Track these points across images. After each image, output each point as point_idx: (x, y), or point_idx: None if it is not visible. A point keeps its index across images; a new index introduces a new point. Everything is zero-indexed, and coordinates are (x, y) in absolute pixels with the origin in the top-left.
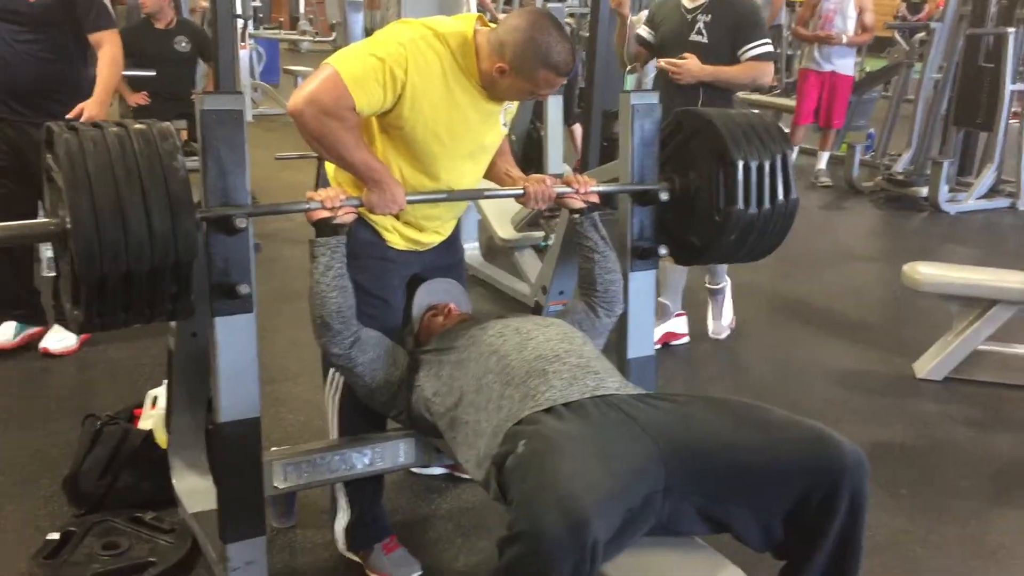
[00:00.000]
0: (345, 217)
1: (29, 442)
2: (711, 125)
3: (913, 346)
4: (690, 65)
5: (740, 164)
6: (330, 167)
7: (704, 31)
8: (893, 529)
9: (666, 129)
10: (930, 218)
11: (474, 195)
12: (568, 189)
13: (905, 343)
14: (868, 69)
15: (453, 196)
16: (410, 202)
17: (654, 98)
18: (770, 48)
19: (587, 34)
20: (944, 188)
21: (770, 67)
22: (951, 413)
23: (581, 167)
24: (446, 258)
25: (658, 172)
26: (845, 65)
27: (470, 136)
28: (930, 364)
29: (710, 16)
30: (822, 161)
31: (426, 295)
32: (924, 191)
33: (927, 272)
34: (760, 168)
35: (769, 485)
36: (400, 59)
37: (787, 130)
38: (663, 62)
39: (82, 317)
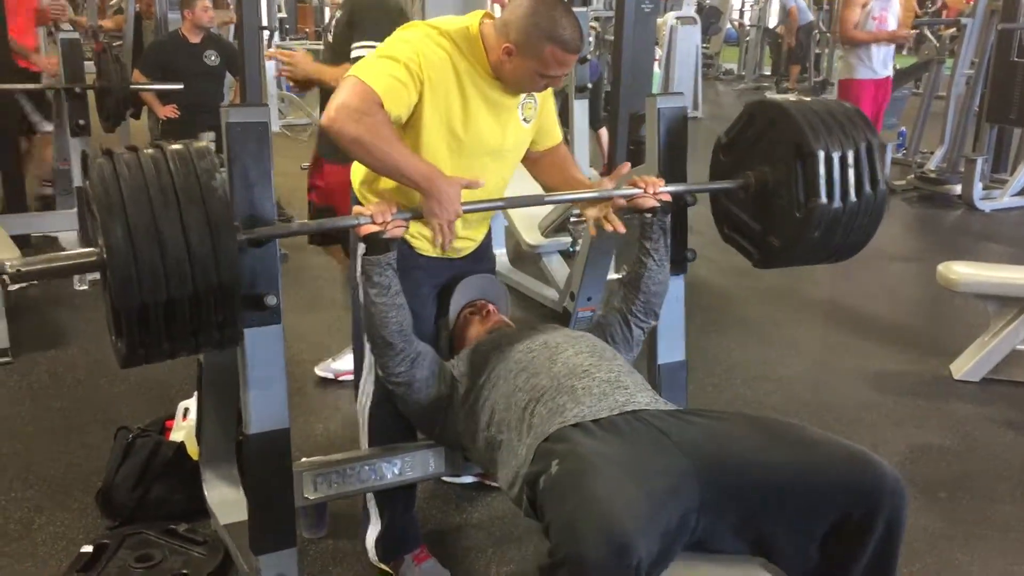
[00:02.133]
0: (395, 231)
1: (61, 455)
2: (786, 114)
3: (949, 346)
4: (298, 59)
5: (821, 155)
6: (356, 176)
7: (332, 28)
8: (932, 534)
9: (737, 124)
10: (964, 216)
11: (562, 200)
12: (637, 191)
13: (941, 344)
14: (898, 66)
15: (532, 201)
16: (468, 211)
17: (681, 101)
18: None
19: (612, 37)
20: (978, 185)
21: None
22: (989, 415)
23: (608, 171)
24: (478, 266)
25: (728, 172)
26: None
27: (488, 131)
28: (967, 365)
29: (339, 12)
30: None
31: (465, 291)
32: (957, 189)
33: (962, 271)
34: (843, 159)
35: (805, 506)
36: (413, 56)
37: None
38: (275, 52)
39: (125, 350)
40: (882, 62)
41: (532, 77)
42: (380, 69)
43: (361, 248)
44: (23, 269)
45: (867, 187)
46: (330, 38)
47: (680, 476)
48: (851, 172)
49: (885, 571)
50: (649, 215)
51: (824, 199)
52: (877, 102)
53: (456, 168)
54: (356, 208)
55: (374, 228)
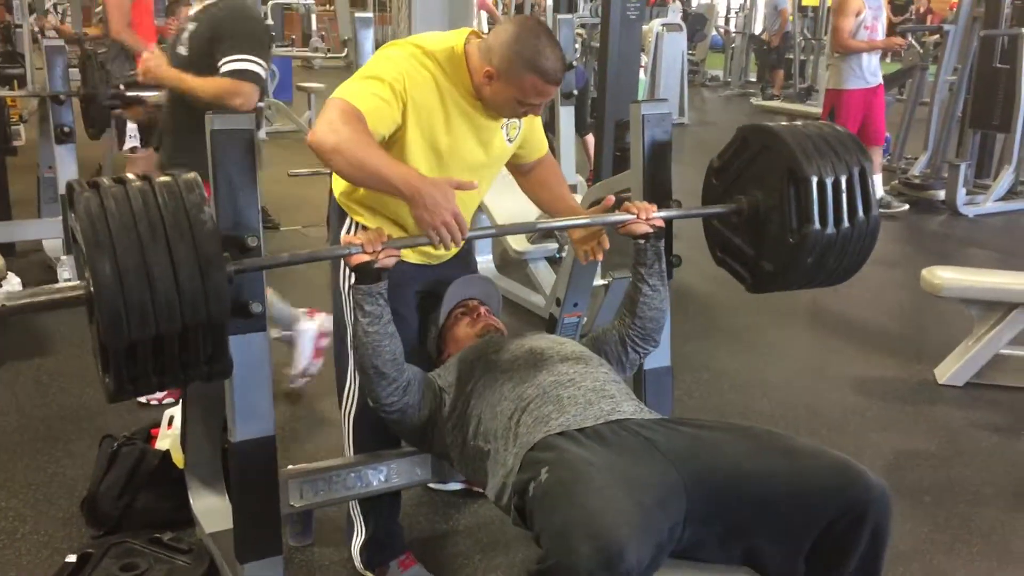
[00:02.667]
0: (386, 261)
1: (46, 464)
2: (779, 139)
3: (933, 351)
4: (151, 63)
5: (814, 180)
6: (338, 186)
7: (187, 42)
8: (917, 538)
9: (730, 147)
10: (948, 221)
11: (555, 227)
12: (630, 216)
13: (925, 348)
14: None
15: (525, 228)
16: (472, 238)
17: (666, 107)
18: (252, 67)
19: (598, 44)
20: (962, 191)
21: (247, 88)
22: (973, 419)
23: (594, 178)
24: (457, 272)
25: (722, 192)
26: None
27: (470, 151)
28: (951, 369)
29: (195, 25)
30: (878, 185)
31: (458, 291)
32: (941, 194)
33: (946, 276)
34: (836, 183)
35: (792, 516)
36: (398, 76)
37: None
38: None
39: (112, 386)
40: (872, 71)
41: (511, 104)
42: (364, 89)
43: (351, 278)
44: (7, 304)
45: (860, 212)
46: (182, 51)
47: (668, 486)
48: (844, 197)
49: (873, 574)
50: (642, 241)
51: (817, 225)
52: (866, 110)
53: None
54: (345, 237)
55: (365, 257)
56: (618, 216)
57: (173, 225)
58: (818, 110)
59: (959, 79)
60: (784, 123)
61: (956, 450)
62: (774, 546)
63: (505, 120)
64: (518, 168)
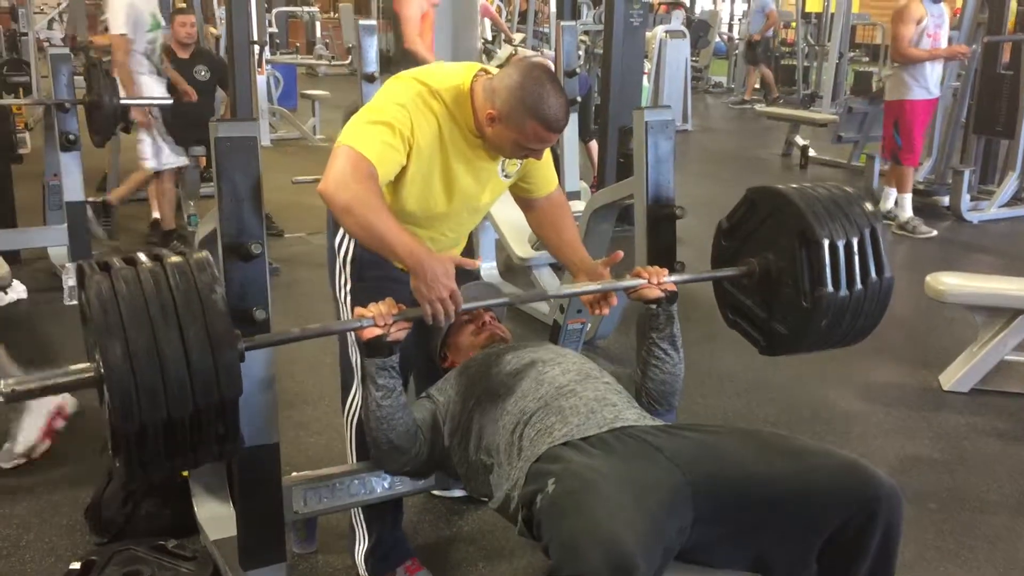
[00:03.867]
0: (398, 334)
1: (49, 471)
2: (789, 202)
3: (938, 358)
4: None
5: (826, 243)
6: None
7: None
8: (922, 545)
9: (739, 209)
10: (952, 227)
11: (567, 295)
12: (641, 281)
13: (930, 355)
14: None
15: (537, 297)
16: (466, 308)
17: (669, 114)
18: None
19: (602, 51)
20: (966, 197)
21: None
22: (979, 425)
23: (597, 184)
24: (460, 280)
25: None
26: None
27: (464, 187)
28: (956, 376)
29: None
30: (907, 207)
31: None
32: (945, 200)
33: (951, 282)
34: (848, 246)
35: (801, 517)
36: (405, 120)
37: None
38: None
39: (124, 470)
40: (936, 82)
41: (511, 147)
42: (372, 136)
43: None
44: (18, 388)
45: (873, 274)
46: None
47: (675, 491)
48: (856, 260)
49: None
50: (654, 306)
51: (831, 288)
52: (930, 122)
53: (432, 221)
54: (358, 310)
55: (377, 331)
56: (629, 281)
57: (185, 307)
58: (824, 116)
59: (963, 85)
60: (793, 185)
61: (961, 457)
62: (783, 547)
63: (501, 159)
64: (526, 202)
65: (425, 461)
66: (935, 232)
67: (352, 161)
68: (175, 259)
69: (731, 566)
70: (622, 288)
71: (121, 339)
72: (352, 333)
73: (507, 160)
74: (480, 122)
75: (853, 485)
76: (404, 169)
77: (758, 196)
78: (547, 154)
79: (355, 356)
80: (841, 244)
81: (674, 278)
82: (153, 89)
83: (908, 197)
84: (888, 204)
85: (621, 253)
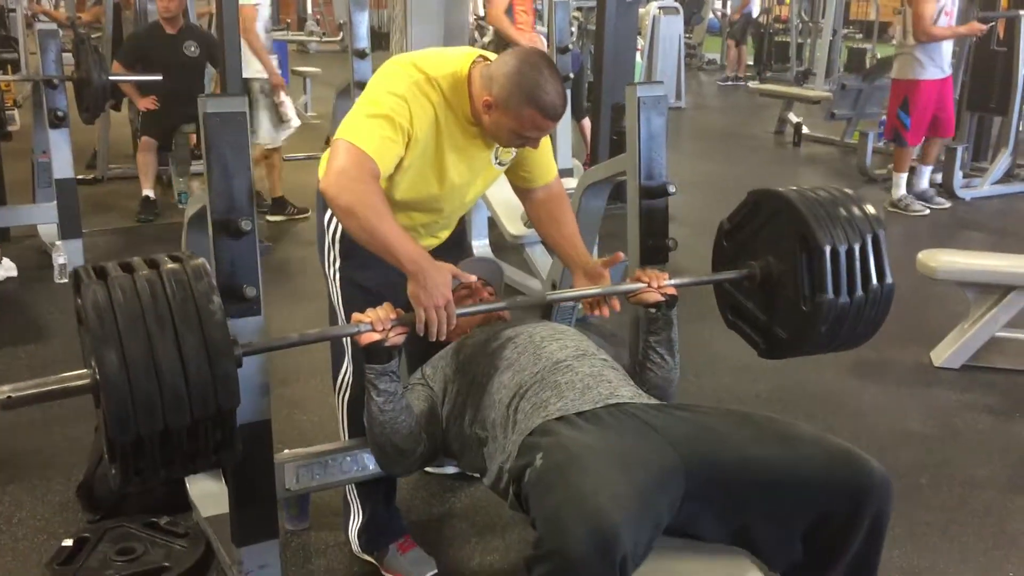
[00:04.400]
0: (396, 339)
1: (42, 448)
2: (791, 206)
3: (930, 334)
4: None
5: (827, 249)
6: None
7: None
8: (912, 520)
9: (741, 211)
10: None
11: (565, 298)
12: (641, 285)
13: (921, 331)
14: (879, 55)
15: (535, 301)
16: (462, 314)
17: (661, 90)
18: None
19: (594, 27)
20: (958, 174)
21: None
22: (969, 401)
23: (590, 161)
24: (454, 258)
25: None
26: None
27: (458, 175)
28: (947, 352)
29: None
30: (924, 178)
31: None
32: (938, 177)
33: (943, 259)
34: (850, 252)
35: (790, 501)
36: (403, 112)
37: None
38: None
39: (119, 477)
40: (948, 60)
41: (508, 135)
42: (371, 131)
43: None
44: (14, 395)
45: (874, 281)
46: None
47: (666, 467)
48: (858, 266)
49: (868, 565)
50: (654, 309)
51: (831, 294)
52: (940, 101)
53: (423, 208)
54: (355, 316)
55: (376, 336)
56: (629, 285)
57: (181, 316)
58: (817, 93)
59: (957, 61)
60: (795, 188)
61: (952, 433)
62: (769, 528)
63: (498, 146)
64: (523, 191)
65: (427, 455)
66: (927, 211)
67: (353, 159)
68: (172, 266)
69: (714, 538)
70: (621, 292)
71: (117, 349)
72: (341, 316)
73: (501, 149)
74: (477, 110)
75: (844, 474)
76: (400, 159)
77: (760, 198)
78: (546, 143)
79: (345, 340)
80: (843, 250)
81: (674, 282)
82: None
83: (904, 176)
84: (899, 191)
85: (621, 255)
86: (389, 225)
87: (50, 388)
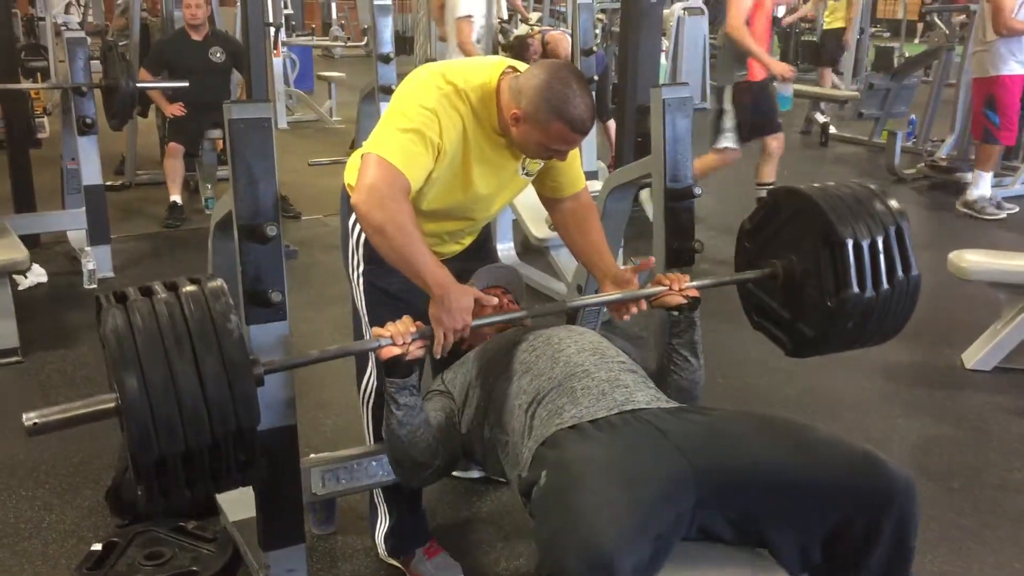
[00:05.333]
0: (416, 353)
1: (71, 453)
2: (812, 203)
3: (961, 336)
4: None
5: (850, 243)
6: (349, 178)
7: None
8: (945, 524)
9: (761, 211)
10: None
11: (586, 305)
12: (662, 288)
13: (953, 333)
14: (907, 54)
15: (556, 309)
16: (477, 325)
17: (686, 92)
18: None
19: (619, 29)
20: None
21: None
22: (1002, 404)
23: (615, 163)
24: (477, 263)
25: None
26: None
27: (486, 191)
28: (979, 354)
29: None
30: (985, 186)
31: (480, 280)
32: (968, 176)
33: (974, 260)
34: (873, 246)
35: (808, 508)
36: (433, 125)
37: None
38: None
39: (145, 498)
40: None
41: (536, 148)
42: (402, 146)
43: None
44: (39, 421)
45: (899, 272)
46: None
47: (675, 479)
48: (882, 259)
49: (901, 568)
50: (676, 312)
51: (856, 289)
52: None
53: (448, 218)
54: (375, 330)
55: (396, 351)
56: (650, 290)
57: (200, 337)
58: (845, 93)
59: None
60: (816, 185)
61: (984, 435)
62: (786, 534)
63: (523, 158)
64: (551, 201)
65: (445, 466)
66: (1004, 214)
67: (384, 174)
68: (190, 288)
69: (730, 543)
70: (643, 297)
71: (137, 372)
72: (364, 310)
73: (528, 160)
74: (505, 121)
75: (864, 478)
76: (430, 177)
77: (780, 197)
78: (574, 154)
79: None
80: (865, 244)
81: (696, 284)
82: None
83: (988, 176)
84: (977, 191)
85: (653, 260)
86: (418, 247)
87: (76, 413)
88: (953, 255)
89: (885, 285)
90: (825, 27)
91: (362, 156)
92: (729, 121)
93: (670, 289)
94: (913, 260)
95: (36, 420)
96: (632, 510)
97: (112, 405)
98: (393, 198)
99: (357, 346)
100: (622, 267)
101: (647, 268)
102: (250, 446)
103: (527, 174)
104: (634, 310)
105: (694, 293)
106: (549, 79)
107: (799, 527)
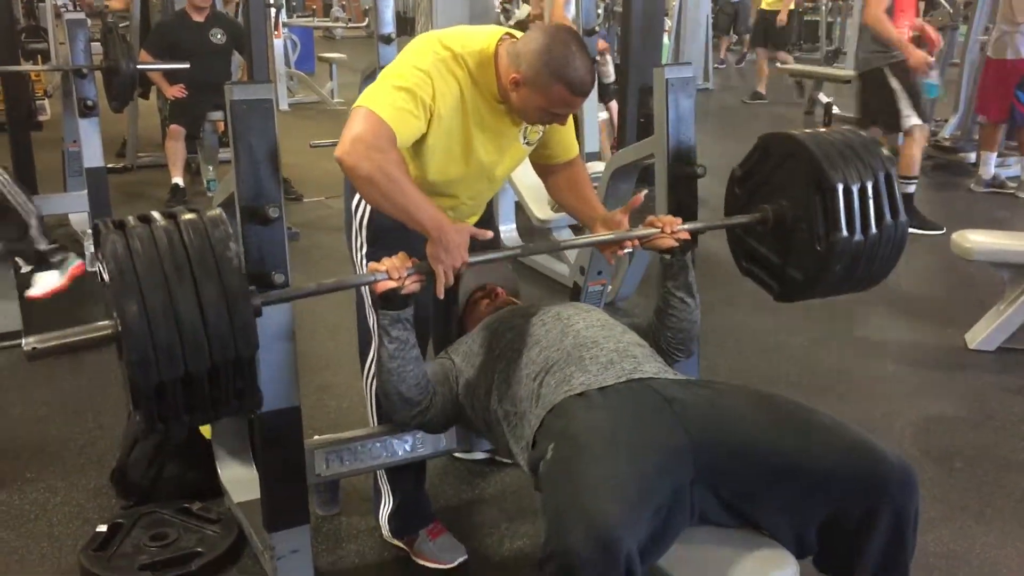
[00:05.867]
0: (412, 287)
1: (76, 435)
2: (804, 147)
3: (964, 316)
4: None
5: (840, 187)
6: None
7: None
8: (948, 504)
9: (752, 156)
10: (978, 183)
11: (579, 244)
12: (654, 231)
13: (956, 313)
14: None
15: (550, 247)
16: (474, 262)
17: (689, 71)
18: None
19: (621, 9)
20: (992, 153)
21: None
22: (1005, 384)
23: (618, 144)
24: (480, 245)
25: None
26: None
27: (488, 159)
28: (982, 334)
29: None
30: (991, 165)
31: (473, 276)
32: (972, 157)
33: (977, 240)
34: (863, 190)
35: (801, 491)
36: (426, 86)
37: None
38: None
39: (143, 423)
40: None
41: (536, 112)
42: (392, 100)
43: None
44: (39, 346)
45: (888, 217)
46: None
47: (673, 449)
48: (871, 204)
49: (898, 559)
50: (668, 255)
51: (845, 232)
52: None
53: (451, 189)
54: (372, 265)
55: (392, 284)
56: (643, 231)
57: (199, 263)
58: (848, 73)
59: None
60: (807, 131)
61: (987, 415)
62: (779, 516)
63: (523, 127)
64: (545, 168)
65: (436, 415)
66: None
67: (370, 126)
68: (189, 216)
69: (726, 525)
70: (636, 237)
71: (137, 296)
72: (368, 291)
73: (529, 128)
74: (504, 87)
75: (861, 467)
76: (424, 138)
77: (771, 142)
78: (568, 120)
79: (372, 319)
80: (856, 188)
81: (687, 226)
82: None
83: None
84: (993, 169)
85: (641, 197)
86: (408, 190)
87: (74, 339)
88: (956, 235)
89: (873, 229)
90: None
91: (352, 110)
92: (903, 100)
93: (662, 232)
94: (901, 206)
95: (35, 345)
96: (634, 480)
97: (109, 332)
98: (378, 147)
99: (355, 279)
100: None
101: (635, 206)
102: (249, 375)
103: (528, 143)
104: (628, 247)
105: (685, 236)
106: (548, 42)
107: (792, 511)
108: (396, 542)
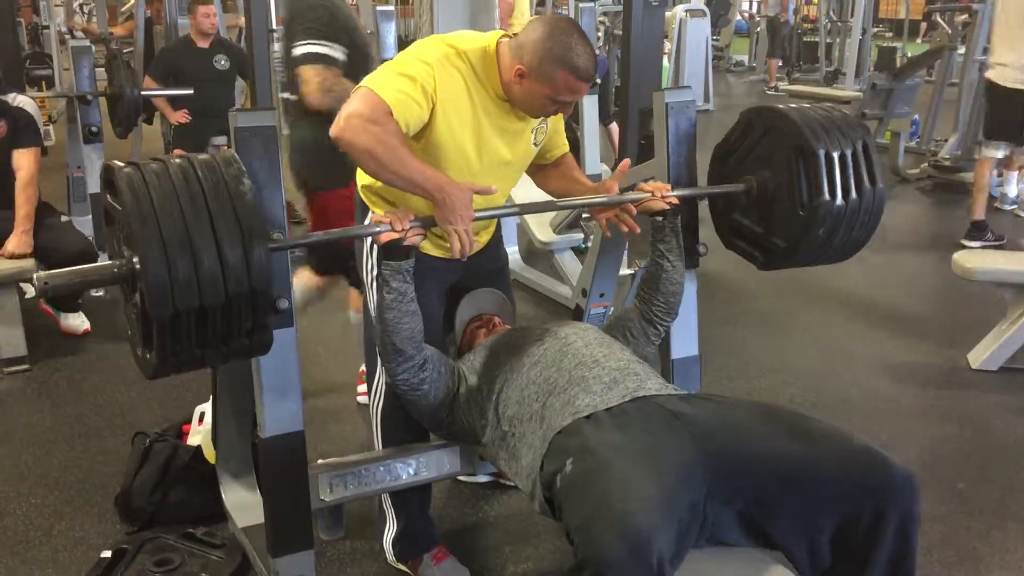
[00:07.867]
0: (414, 239)
1: (80, 460)
2: (786, 118)
3: (966, 336)
4: None
5: (822, 154)
6: (361, 178)
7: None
8: (952, 525)
9: (735, 130)
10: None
11: (572, 205)
12: (645, 195)
13: (958, 333)
14: (909, 54)
15: (543, 207)
16: (479, 217)
17: (689, 95)
18: (315, 49)
19: (620, 32)
20: (992, 172)
21: (310, 72)
22: (1008, 404)
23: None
24: (488, 264)
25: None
26: None
27: (494, 150)
28: (985, 354)
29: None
30: (1013, 185)
31: (470, 306)
32: (971, 176)
33: (979, 260)
34: (843, 157)
35: (813, 500)
36: (428, 77)
37: None
38: None
39: (156, 359)
40: None
41: (542, 102)
42: (393, 83)
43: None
44: (50, 282)
45: (867, 183)
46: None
47: (690, 463)
48: (851, 170)
49: (904, 568)
50: (660, 218)
51: (827, 196)
52: None
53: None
54: (375, 216)
55: (394, 235)
56: (634, 195)
57: (214, 198)
58: (847, 93)
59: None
60: (791, 104)
61: (990, 435)
62: (793, 529)
63: (536, 125)
64: (536, 166)
65: (436, 403)
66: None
67: (368, 102)
68: (202, 156)
69: (742, 544)
70: (628, 201)
71: (154, 227)
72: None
73: (537, 128)
74: (507, 82)
75: (866, 474)
76: (434, 134)
77: (754, 115)
78: (560, 123)
79: (374, 301)
80: (836, 155)
81: (676, 193)
82: None
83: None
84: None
85: (628, 161)
86: (407, 159)
87: (83, 278)
88: (958, 255)
89: (854, 195)
90: None
91: (352, 91)
92: None
93: (652, 196)
94: (879, 173)
95: (47, 280)
96: (659, 491)
97: (118, 270)
98: (375, 120)
99: (360, 229)
100: (626, 270)
101: (624, 172)
102: (261, 312)
103: (536, 144)
104: (625, 218)
105: (675, 201)
106: (550, 30)
107: (806, 520)
108: (401, 566)
